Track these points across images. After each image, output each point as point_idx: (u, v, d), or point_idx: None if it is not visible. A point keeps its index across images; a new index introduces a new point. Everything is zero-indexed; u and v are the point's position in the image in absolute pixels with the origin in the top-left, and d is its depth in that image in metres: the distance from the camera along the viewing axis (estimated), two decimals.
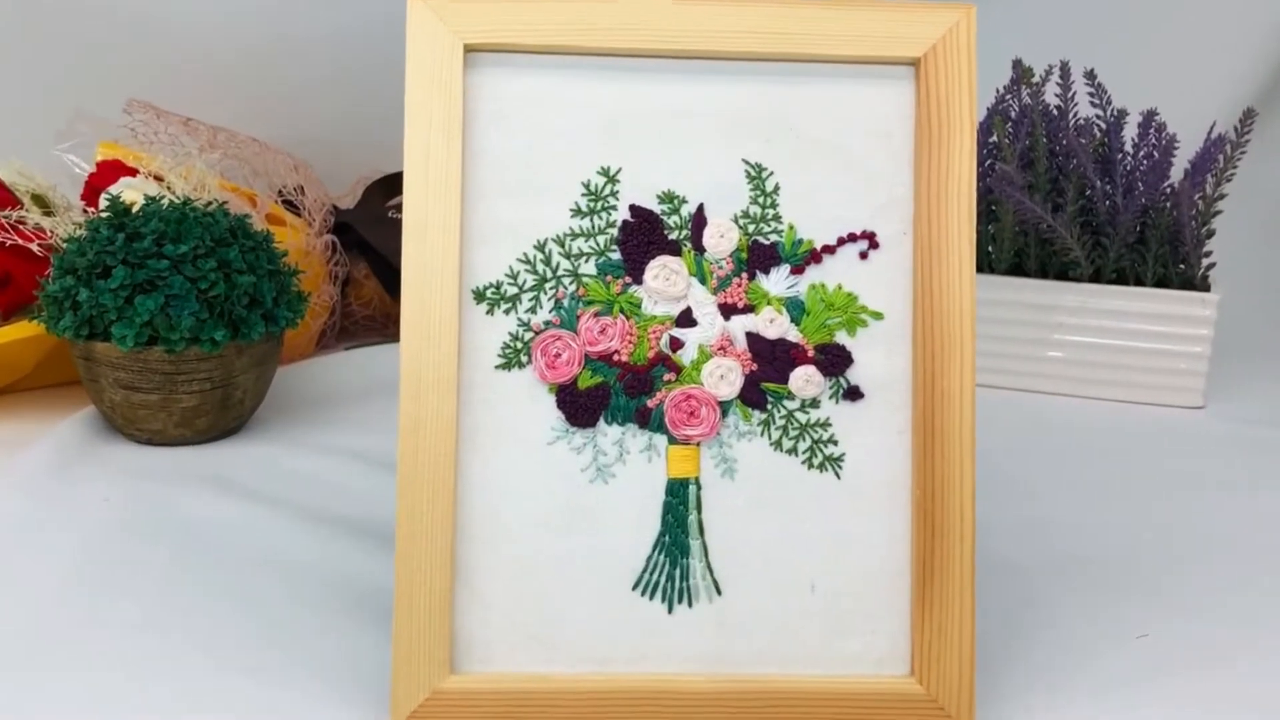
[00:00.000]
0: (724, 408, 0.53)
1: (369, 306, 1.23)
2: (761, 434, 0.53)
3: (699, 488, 0.53)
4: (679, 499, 0.52)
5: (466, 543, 0.51)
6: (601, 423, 0.52)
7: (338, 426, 0.91)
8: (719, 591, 0.52)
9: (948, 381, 0.51)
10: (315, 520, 0.67)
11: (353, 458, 0.80)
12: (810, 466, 0.53)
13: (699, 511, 0.52)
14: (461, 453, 0.51)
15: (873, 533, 0.52)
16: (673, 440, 0.53)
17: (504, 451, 0.52)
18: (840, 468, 0.53)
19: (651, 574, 0.52)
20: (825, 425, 0.53)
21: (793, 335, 0.53)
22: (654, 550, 0.52)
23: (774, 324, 0.53)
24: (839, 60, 0.50)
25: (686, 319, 0.53)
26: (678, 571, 0.52)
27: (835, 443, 0.53)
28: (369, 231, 1.18)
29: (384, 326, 1.24)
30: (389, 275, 1.16)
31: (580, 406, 0.52)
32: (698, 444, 0.53)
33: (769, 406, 0.53)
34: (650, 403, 0.53)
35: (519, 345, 0.53)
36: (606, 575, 0.52)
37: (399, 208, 1.23)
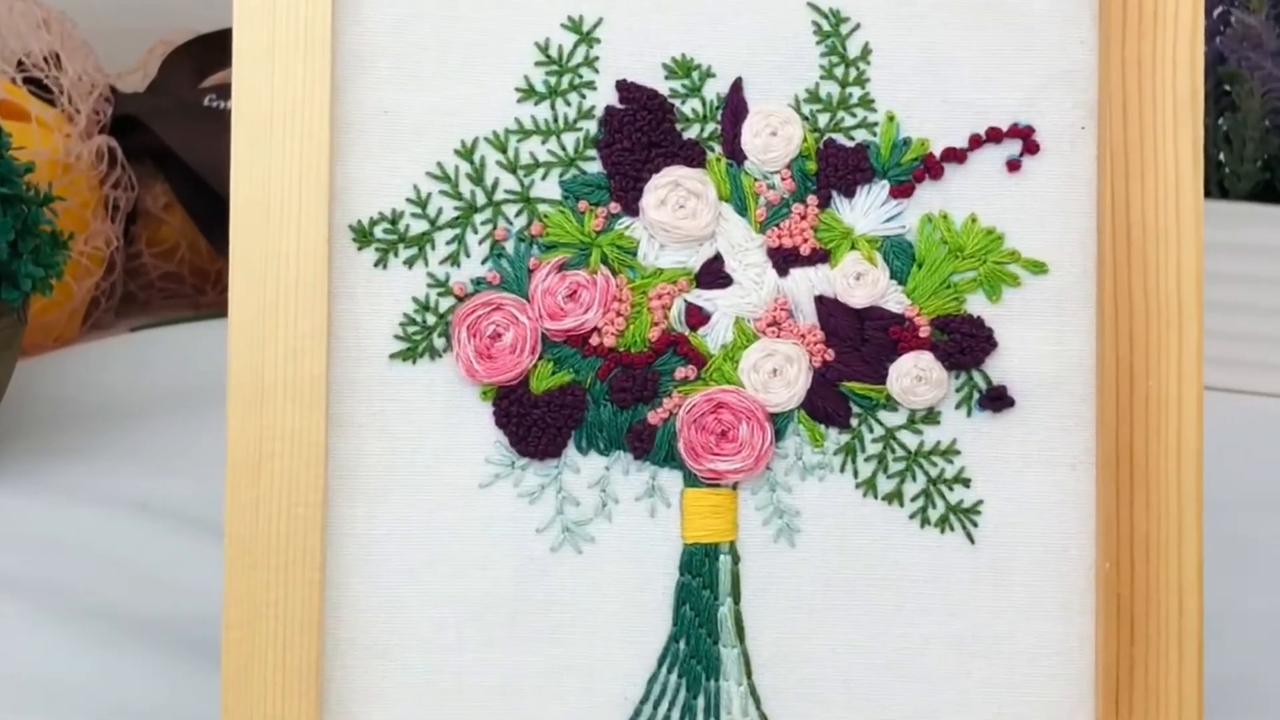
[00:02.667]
0: (779, 425, 0.55)
1: (171, 259, 1.23)
2: (843, 469, 0.55)
3: (736, 560, 0.54)
4: (702, 579, 0.54)
5: (344, 662, 0.54)
6: (571, 451, 0.54)
7: (118, 458, 0.93)
8: None
9: (1158, 382, 0.53)
10: (77, 624, 0.69)
11: (142, 512, 0.83)
12: (925, 523, 0.55)
13: (736, 601, 0.54)
14: (334, 507, 0.53)
15: (1031, 634, 0.54)
16: (692, 480, 0.54)
17: (406, 502, 0.54)
18: (975, 525, 0.55)
19: (656, 706, 0.54)
20: (950, 454, 0.55)
21: (894, 300, 0.55)
22: (660, 666, 0.54)
23: (862, 281, 0.55)
24: None
25: (715, 274, 0.55)
26: (701, 702, 0.54)
27: (967, 483, 0.55)
28: (170, 131, 1.17)
29: (196, 292, 1.25)
30: (204, 206, 1.17)
31: (535, 424, 0.54)
32: (734, 486, 0.54)
33: (855, 423, 0.54)
34: (654, 417, 0.54)
35: (430, 320, 0.55)
36: (580, 709, 0.54)
37: (222, 91, 1.23)
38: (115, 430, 0.94)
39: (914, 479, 0.55)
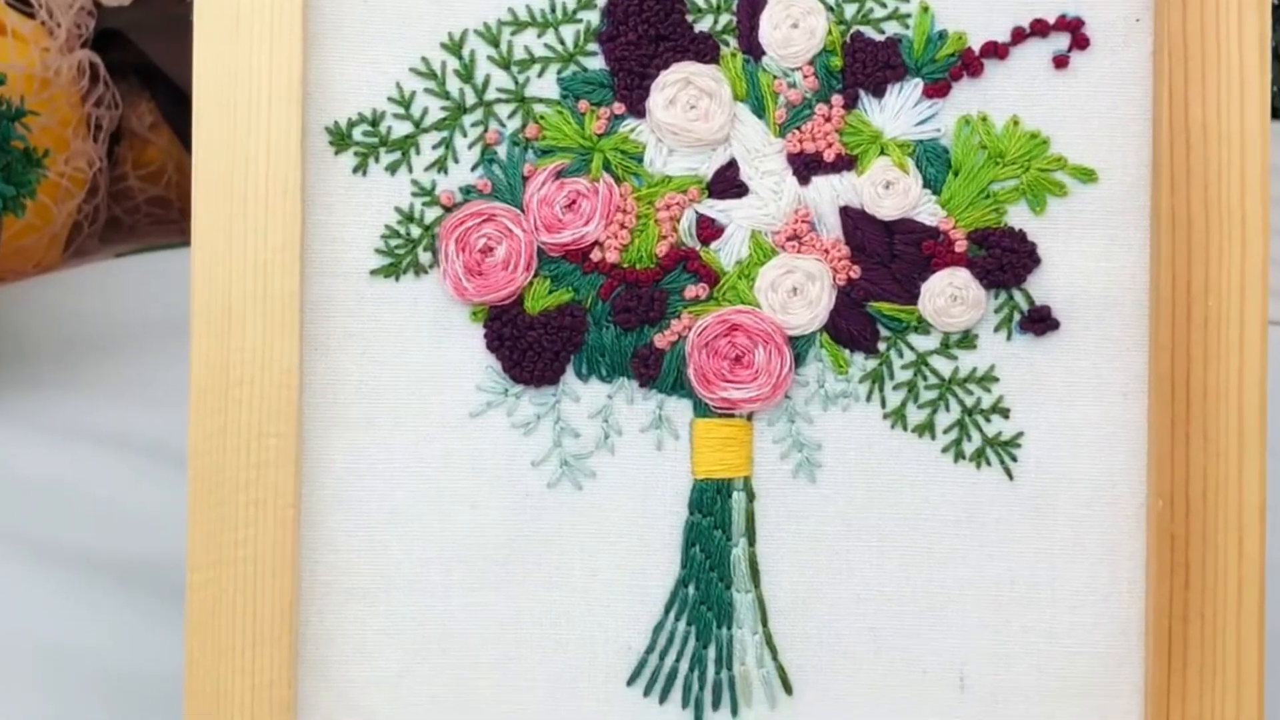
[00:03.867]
0: (799, 349, 0.52)
1: (158, 181, 1.20)
2: (869, 398, 0.52)
3: (751, 497, 0.52)
4: (714, 518, 0.52)
5: (320, 608, 0.52)
6: (570, 377, 0.52)
7: (99, 389, 0.90)
8: (788, 689, 0.52)
9: (1218, 301, 0.50)
10: (53, 563, 0.68)
11: (127, 448, 0.82)
12: (959, 458, 0.52)
13: (751, 542, 0.52)
14: (309, 439, 0.52)
15: (1075, 579, 0.52)
16: (703, 410, 0.52)
17: (388, 433, 0.52)
18: (1014, 459, 0.52)
19: (663, 656, 0.52)
20: (988, 381, 0.52)
21: (928, 211, 0.52)
22: (667, 613, 0.52)
23: (892, 191, 0.52)
24: None
25: (729, 183, 0.52)
26: (711, 652, 0.52)
27: (1005, 413, 0.52)
28: (156, 46, 1.13)
29: (184, 217, 1.21)
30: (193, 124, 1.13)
31: (530, 348, 0.52)
32: (749, 417, 0.52)
33: (883, 347, 0.52)
34: (661, 340, 0.52)
35: (415, 232, 0.52)
36: (580, 659, 0.52)
37: None
38: (96, 360, 0.92)
39: (947, 409, 0.53)
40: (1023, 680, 0.52)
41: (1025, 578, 0.53)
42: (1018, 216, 0.52)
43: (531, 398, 0.52)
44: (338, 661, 0.52)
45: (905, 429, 0.53)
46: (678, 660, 0.53)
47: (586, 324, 0.52)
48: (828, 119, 0.52)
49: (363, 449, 0.52)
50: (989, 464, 0.53)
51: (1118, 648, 0.52)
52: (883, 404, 0.53)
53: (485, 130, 0.52)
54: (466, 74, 0.52)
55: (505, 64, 0.52)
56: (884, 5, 0.52)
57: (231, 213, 0.50)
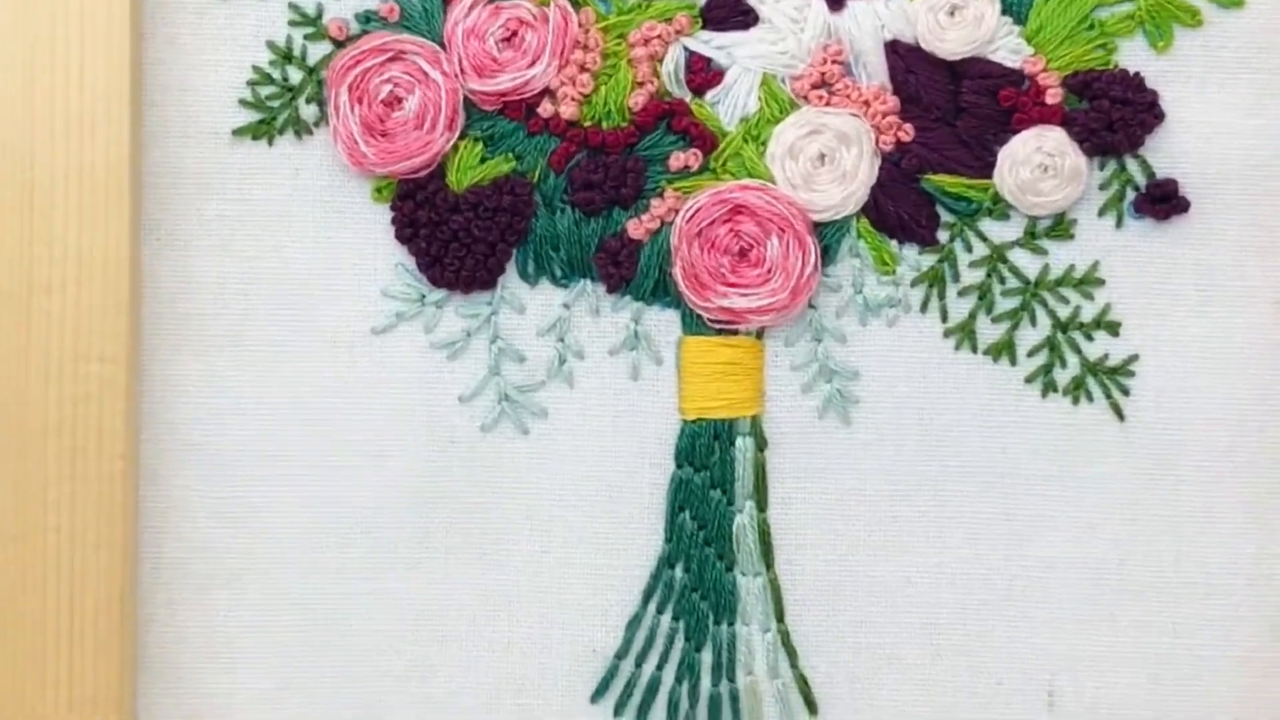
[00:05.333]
0: (827, 240, 0.48)
1: None
2: (925, 307, 0.49)
3: (761, 445, 0.49)
4: (709, 474, 0.49)
5: (171, 597, 0.47)
6: (512, 279, 0.48)
7: None
8: (812, 707, 0.49)
9: None
10: None
11: None
12: (1050, 390, 0.49)
13: (762, 506, 0.48)
14: (150, 363, 0.47)
15: (1206, 557, 0.48)
16: (695, 325, 0.49)
17: (261, 356, 0.48)
18: (1125, 391, 0.48)
19: (641, 662, 0.49)
20: (1090, 284, 0.49)
21: (1008, 48, 0.48)
22: (646, 603, 0.49)
23: (959, 19, 0.47)
24: None
25: (731, 8, 0.48)
26: (707, 657, 0.49)
27: (1114, 329, 0.49)
28: None
29: None
30: None
31: (456, 238, 0.48)
32: (759, 334, 0.48)
33: (945, 238, 0.48)
34: (637, 228, 0.48)
35: (294, 76, 0.47)
36: (527, 667, 0.48)
37: None
38: None
39: (1033, 323, 0.48)
40: (1133, 694, 0.49)
41: (1138, 555, 0.49)
42: (1132, 55, 0.48)
43: (459, 308, 0.48)
44: (192, 670, 0.48)
45: (975, 350, 0.48)
46: (660, 668, 0.49)
47: (533, 205, 0.48)
48: None
49: (225, 378, 0.48)
50: (1090, 398, 0.48)
51: (1266, 650, 0.49)
52: (943, 316, 0.48)
53: None
54: None
55: None
56: None
57: (35, 44, 0.44)
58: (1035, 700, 0.48)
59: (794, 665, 0.49)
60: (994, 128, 0.48)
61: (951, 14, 0.47)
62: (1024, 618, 0.49)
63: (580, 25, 0.47)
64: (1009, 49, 0.47)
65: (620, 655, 0.49)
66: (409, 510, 0.49)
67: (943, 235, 0.48)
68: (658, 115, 0.48)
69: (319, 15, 0.47)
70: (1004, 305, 0.48)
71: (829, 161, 0.47)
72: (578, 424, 0.49)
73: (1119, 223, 0.48)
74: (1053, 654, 0.49)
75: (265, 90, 0.47)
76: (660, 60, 0.47)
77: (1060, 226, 0.48)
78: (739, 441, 0.49)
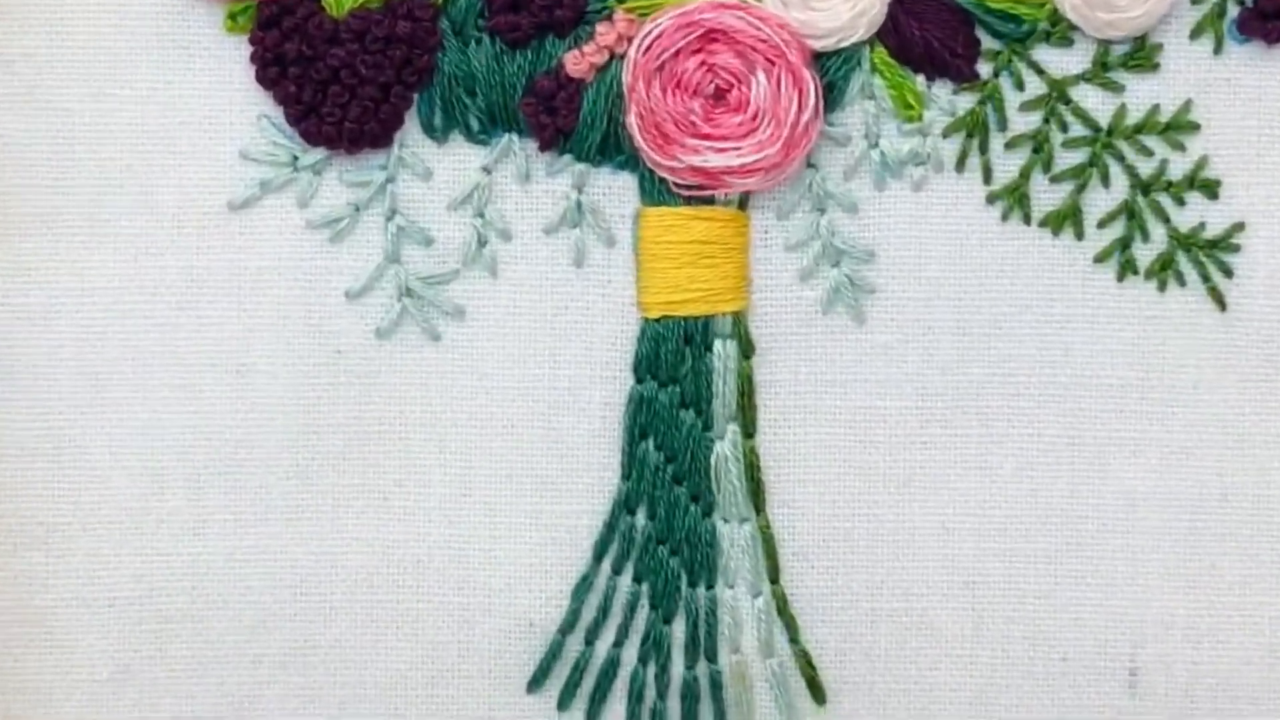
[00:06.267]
0: (832, 75, 0.43)
1: None
2: (961, 164, 0.43)
3: (747, 350, 0.43)
4: (679, 390, 0.44)
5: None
6: (414, 136, 0.43)
7: None
8: (819, 695, 0.43)
9: None
10: None
11: None
12: (1128, 270, 0.43)
13: (749, 433, 0.44)
14: None
15: None
16: (657, 192, 0.43)
17: (82, 239, 0.42)
18: (1228, 272, 0.42)
19: (592, 639, 0.43)
20: (1179, 131, 0.43)
21: None
22: (599, 560, 0.43)
23: None
24: None
25: None
26: (679, 626, 0.44)
27: (1211, 190, 0.43)
28: None
29: None
30: None
31: (337, 79, 0.42)
32: (741, 203, 0.43)
33: (989, 71, 0.43)
34: (575, 64, 0.43)
35: None
36: (442, 649, 0.43)
37: None
38: None
39: (1105, 184, 0.42)
40: (1243, 671, 0.43)
41: (1246, 488, 0.43)
42: None
43: (343, 174, 0.42)
44: (2, 654, 0.43)
45: (1028, 221, 0.42)
46: (618, 645, 0.43)
47: (439, 34, 0.42)
48: None
49: (33, 271, 0.43)
50: (1182, 283, 0.43)
51: None
52: (986, 176, 0.42)
53: None
54: None
55: None
56: None
57: None
58: (1112, 680, 0.43)
59: (794, 640, 0.43)
60: None
61: None
62: (1096, 573, 0.43)
63: None
64: None
65: (565, 630, 0.43)
66: (283, 444, 0.43)
67: (984, 68, 0.42)
68: None
69: None
70: (1066, 160, 0.42)
71: None
72: (504, 327, 0.43)
73: (1218, 48, 0.42)
74: (1135, 620, 0.43)
75: None
76: None
77: (1141, 54, 0.43)
78: (717, 346, 0.43)
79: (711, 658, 0.43)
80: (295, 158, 0.42)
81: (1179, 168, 0.43)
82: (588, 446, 0.43)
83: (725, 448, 0.43)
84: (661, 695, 0.43)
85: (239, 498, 0.43)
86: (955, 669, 0.43)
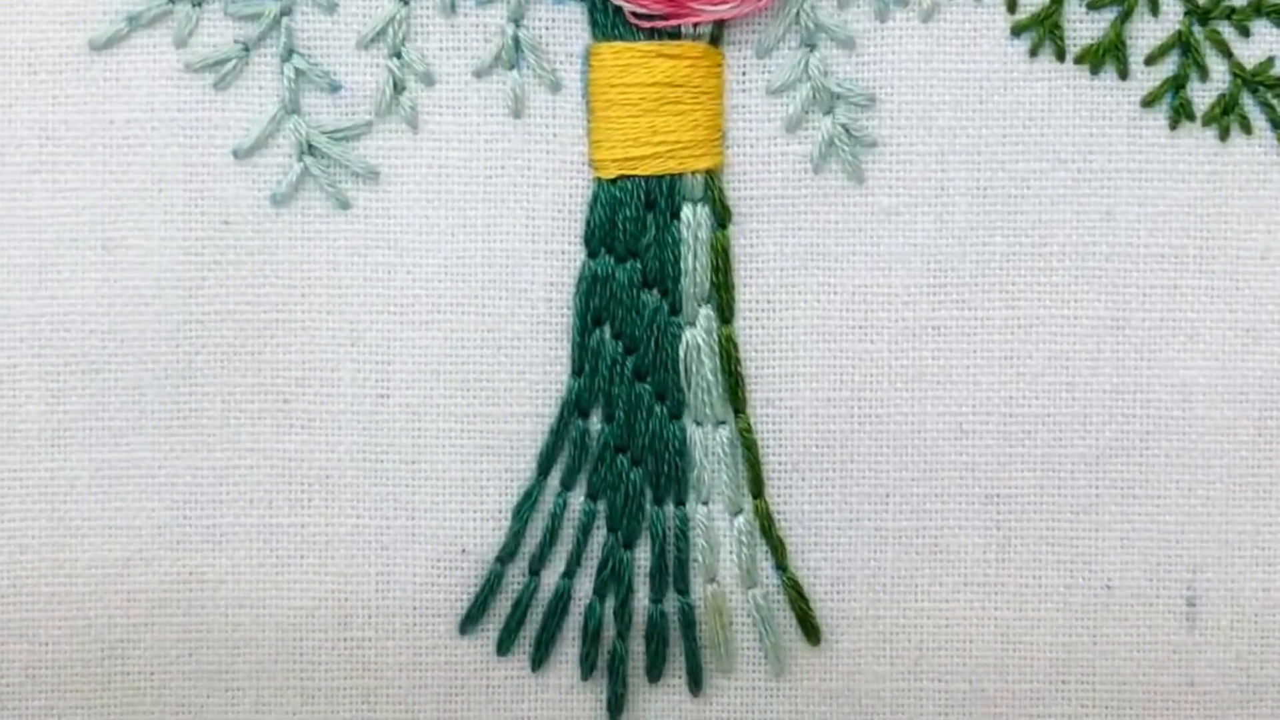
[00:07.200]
0: None
1: None
2: None
3: (722, 218, 0.39)
4: (640, 265, 0.39)
5: None
6: None
7: None
8: (813, 634, 0.39)
9: None
10: None
11: None
12: (1182, 118, 0.38)
13: (727, 318, 0.40)
14: None
15: None
16: (610, 25, 0.38)
17: None
18: None
19: (536, 570, 0.39)
20: None
21: None
22: (544, 474, 0.39)
23: None
24: None
25: None
26: (642, 551, 0.39)
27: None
28: None
29: None
30: None
31: None
32: (715, 36, 0.38)
33: None
34: None
35: None
36: (357, 583, 0.39)
37: None
38: None
39: (1154, 10, 0.37)
40: None
41: None
42: None
43: (228, 4, 0.38)
44: None
45: (1061, 58, 0.38)
46: (569, 576, 0.39)
47: None
48: None
49: None
50: (1247, 130, 0.38)
51: None
52: (1011, 4, 0.38)
53: None
54: None
55: None
56: None
57: None
58: (1166, 611, 0.38)
59: (781, 566, 0.39)
60: None
61: None
62: (1146, 485, 0.38)
63: None
64: None
65: (505, 557, 0.38)
66: (159, 335, 0.38)
67: None
68: None
69: None
70: None
71: None
72: (427, 191, 0.38)
73: None
74: (1193, 539, 0.39)
75: None
76: None
77: None
78: (686, 212, 0.38)
79: (682, 589, 0.39)
80: None
81: None
82: (530, 336, 0.39)
83: (697, 335, 0.39)
84: (622, 635, 0.39)
85: (106, 402, 0.38)
86: (976, 600, 0.39)
